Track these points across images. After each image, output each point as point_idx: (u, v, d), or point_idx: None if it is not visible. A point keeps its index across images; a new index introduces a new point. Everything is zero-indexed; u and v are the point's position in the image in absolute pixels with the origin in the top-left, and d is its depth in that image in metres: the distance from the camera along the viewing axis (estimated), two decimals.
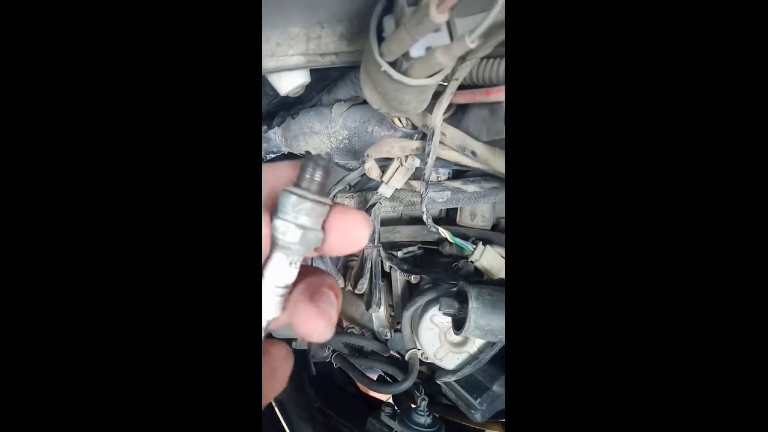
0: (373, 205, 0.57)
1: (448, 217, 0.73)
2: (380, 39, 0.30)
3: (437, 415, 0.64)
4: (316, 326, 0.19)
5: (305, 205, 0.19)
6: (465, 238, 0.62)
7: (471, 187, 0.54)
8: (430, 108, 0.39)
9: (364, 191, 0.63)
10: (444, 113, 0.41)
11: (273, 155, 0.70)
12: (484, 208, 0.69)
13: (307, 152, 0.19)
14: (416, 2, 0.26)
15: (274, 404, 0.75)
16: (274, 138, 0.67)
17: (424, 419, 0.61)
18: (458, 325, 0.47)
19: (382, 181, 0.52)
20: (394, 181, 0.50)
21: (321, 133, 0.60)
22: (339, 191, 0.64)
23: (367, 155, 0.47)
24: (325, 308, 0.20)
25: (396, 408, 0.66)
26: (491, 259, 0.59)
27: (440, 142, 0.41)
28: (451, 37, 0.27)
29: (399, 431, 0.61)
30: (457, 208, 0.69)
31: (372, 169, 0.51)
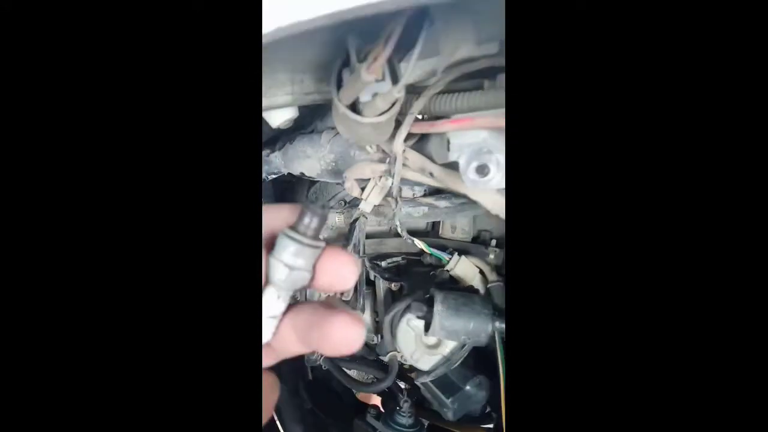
0: (356, 219, 0.64)
1: (433, 231, 0.79)
2: (340, 86, 0.37)
3: (423, 421, 0.68)
4: (352, 331, 0.20)
5: (299, 248, 0.20)
6: (443, 249, 0.68)
7: (442, 203, 0.60)
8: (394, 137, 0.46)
9: (356, 206, 0.70)
10: (408, 141, 0.48)
11: (274, 176, 0.79)
12: (464, 221, 0.75)
13: (306, 203, 0.21)
14: (363, 60, 0.33)
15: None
16: (275, 161, 0.76)
17: (405, 420, 0.65)
18: (427, 326, 0.53)
19: (362, 199, 0.59)
20: (372, 198, 0.57)
21: (312, 157, 0.68)
22: (333, 206, 0.72)
23: (345, 176, 0.54)
24: (354, 313, 0.21)
25: (381, 410, 0.71)
26: (465, 269, 0.64)
27: (404, 165, 0.48)
28: (393, 83, 0.35)
29: (381, 431, 0.65)
30: (440, 223, 0.75)
31: (353, 188, 0.58)
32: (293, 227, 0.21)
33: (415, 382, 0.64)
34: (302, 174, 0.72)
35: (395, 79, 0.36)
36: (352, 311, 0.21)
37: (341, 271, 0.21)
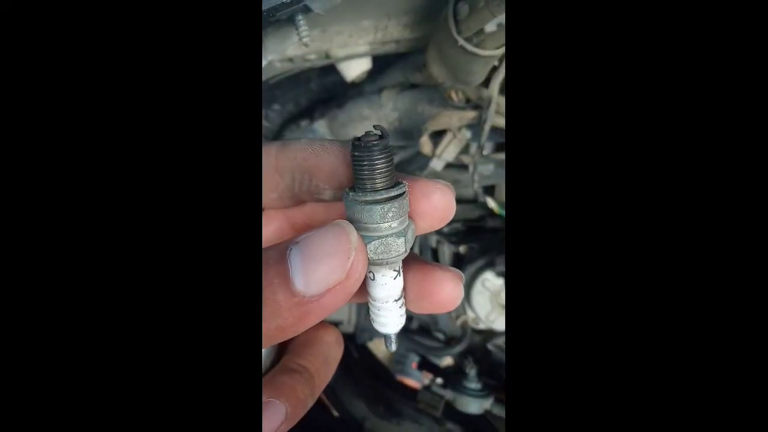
0: None
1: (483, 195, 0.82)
2: (456, 20, 0.39)
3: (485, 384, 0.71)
4: (453, 290, 0.19)
5: (391, 208, 0.17)
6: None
7: None
8: (485, 83, 0.48)
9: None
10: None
11: None
12: None
13: (355, 140, 0.18)
14: None
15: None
16: (319, 129, 0.78)
17: (474, 385, 0.68)
18: None
19: (434, 156, 0.61)
20: (447, 153, 0.59)
21: (370, 117, 0.70)
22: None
23: (426, 128, 0.56)
24: (454, 270, 0.20)
25: (445, 381, 0.73)
26: None
27: (496, 111, 0.50)
28: None
29: (451, 397, 0.68)
30: (494, 189, 0.77)
31: (425, 144, 0.60)
32: (358, 185, 0.17)
33: (488, 347, 0.66)
34: (355, 141, 0.74)
35: None
36: (450, 268, 0.20)
37: (437, 202, 0.19)
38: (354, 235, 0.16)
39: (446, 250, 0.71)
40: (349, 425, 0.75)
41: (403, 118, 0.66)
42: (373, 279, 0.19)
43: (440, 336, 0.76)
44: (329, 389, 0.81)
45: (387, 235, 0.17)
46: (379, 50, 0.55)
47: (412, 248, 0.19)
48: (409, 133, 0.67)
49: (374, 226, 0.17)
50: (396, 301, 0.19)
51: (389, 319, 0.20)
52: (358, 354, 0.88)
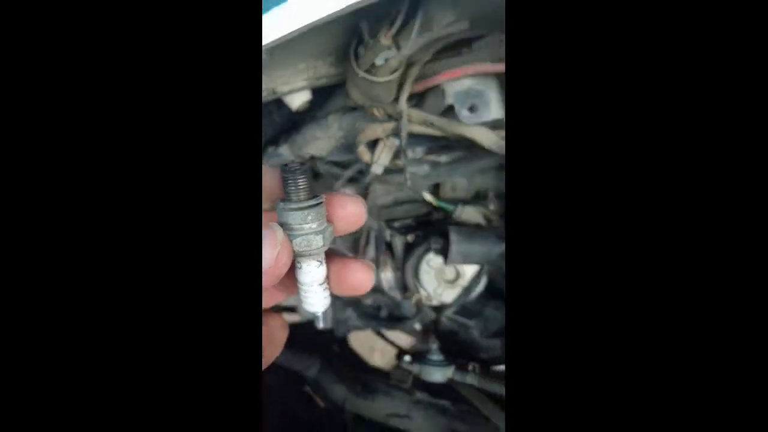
0: (369, 184, 0.79)
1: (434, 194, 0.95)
2: (356, 58, 0.53)
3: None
4: (364, 276, 0.25)
5: (310, 213, 0.22)
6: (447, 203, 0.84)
7: (443, 158, 0.76)
8: (398, 99, 0.62)
9: (361, 183, 0.86)
10: (408, 102, 0.64)
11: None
12: (463, 181, 0.91)
13: (283, 165, 0.22)
14: (374, 36, 0.49)
15: (308, 387, 0.92)
16: (283, 153, 0.91)
17: (437, 357, 0.79)
18: (445, 257, 0.68)
19: (373, 162, 0.74)
20: (383, 158, 0.72)
21: (321, 138, 0.83)
22: (341, 185, 0.87)
23: (359, 140, 0.70)
24: (367, 262, 0.26)
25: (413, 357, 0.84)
26: (470, 214, 0.80)
27: (408, 121, 0.64)
28: (398, 51, 0.51)
29: (418, 372, 0.78)
30: (438, 186, 0.90)
31: (363, 153, 0.73)
32: (286, 197, 0.22)
33: (442, 318, 0.78)
34: (311, 156, 0.87)
35: (398, 46, 0.52)
36: (363, 260, 0.27)
37: (353, 214, 0.25)
38: (280, 232, 0.22)
39: (398, 241, 0.83)
40: (332, 413, 0.85)
41: (347, 135, 0.80)
42: (300, 267, 0.25)
43: (417, 326, 0.87)
44: (314, 383, 0.91)
45: (308, 233, 0.23)
46: (315, 84, 0.69)
47: (337, 244, 0.29)
48: (353, 147, 0.80)
49: (298, 226, 0.23)
50: (320, 285, 0.25)
51: (315, 299, 0.25)
52: (338, 347, 0.98)
